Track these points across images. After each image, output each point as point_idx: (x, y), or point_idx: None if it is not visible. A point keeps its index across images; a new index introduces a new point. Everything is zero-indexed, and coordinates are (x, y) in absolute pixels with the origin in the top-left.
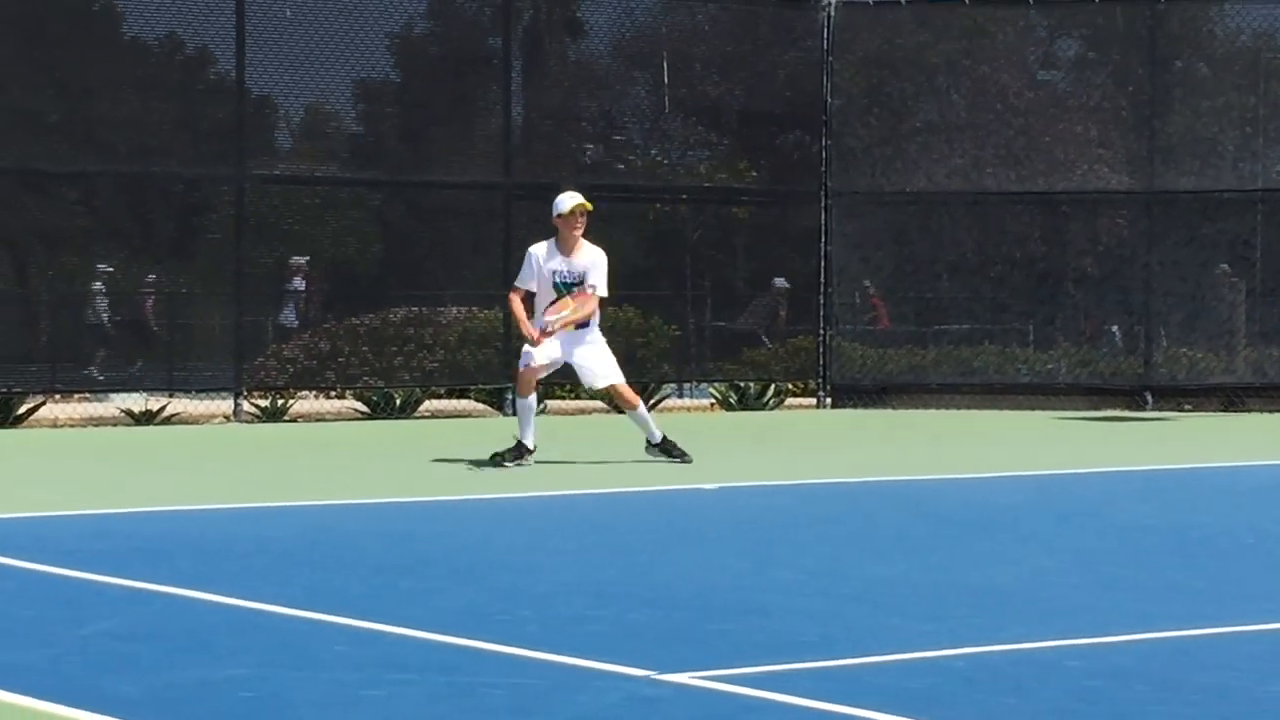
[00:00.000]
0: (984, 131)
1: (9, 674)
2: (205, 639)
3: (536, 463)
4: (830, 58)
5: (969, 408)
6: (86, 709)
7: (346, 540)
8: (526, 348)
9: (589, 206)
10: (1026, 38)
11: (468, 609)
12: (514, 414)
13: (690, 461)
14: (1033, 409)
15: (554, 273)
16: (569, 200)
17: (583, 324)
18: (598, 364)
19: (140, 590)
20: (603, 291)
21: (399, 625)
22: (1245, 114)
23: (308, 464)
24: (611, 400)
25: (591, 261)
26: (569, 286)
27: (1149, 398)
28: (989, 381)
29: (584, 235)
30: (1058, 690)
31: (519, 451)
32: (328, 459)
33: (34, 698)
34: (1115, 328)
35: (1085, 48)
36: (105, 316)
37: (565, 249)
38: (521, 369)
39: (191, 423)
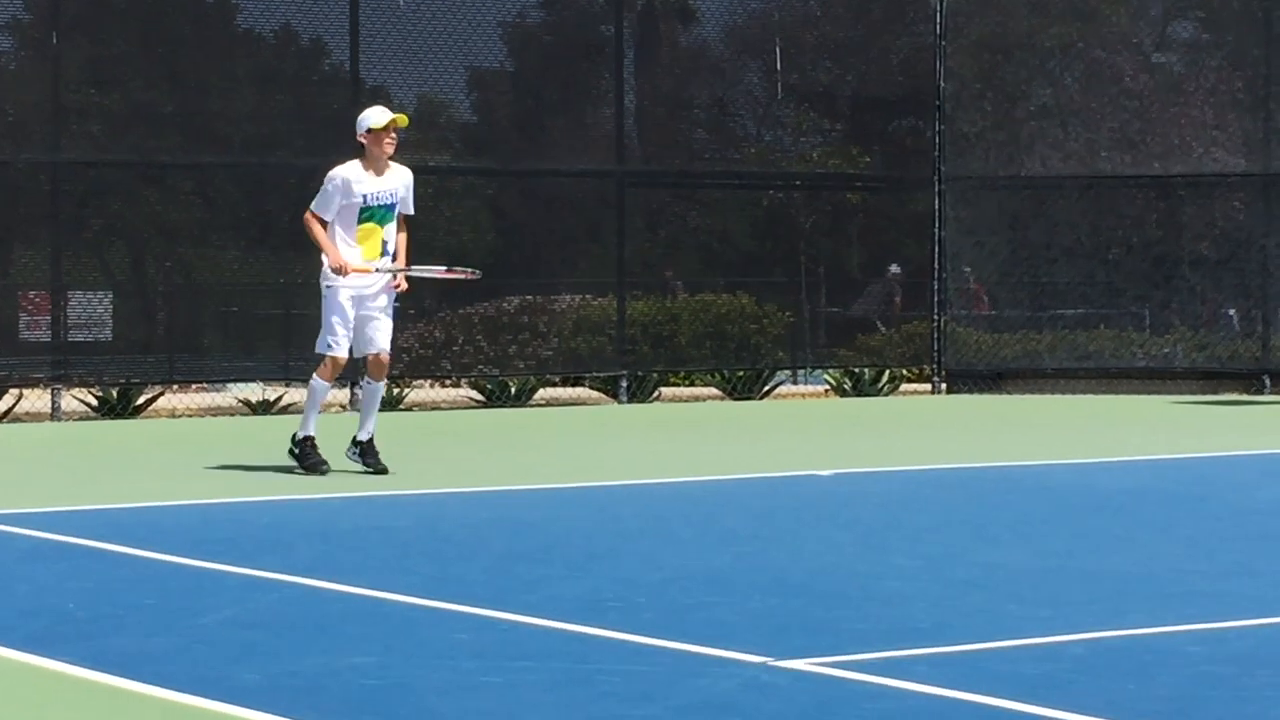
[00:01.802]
0: (1098, 115)
1: (131, 662)
2: (327, 627)
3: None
4: (943, 42)
5: (1084, 392)
6: (210, 697)
7: (464, 529)
8: (335, 334)
9: (404, 121)
10: (1140, 20)
11: (585, 596)
12: (627, 401)
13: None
14: (1149, 393)
15: (363, 196)
16: (382, 114)
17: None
18: (388, 328)
19: (261, 579)
20: (410, 211)
21: (518, 613)
22: None
23: (424, 453)
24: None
25: (404, 182)
26: (382, 211)
27: (1267, 381)
28: (1105, 366)
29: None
30: (1179, 676)
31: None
32: (444, 448)
33: (157, 686)
34: (1232, 311)
35: (1200, 29)
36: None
37: (376, 169)
38: (333, 358)
39: None
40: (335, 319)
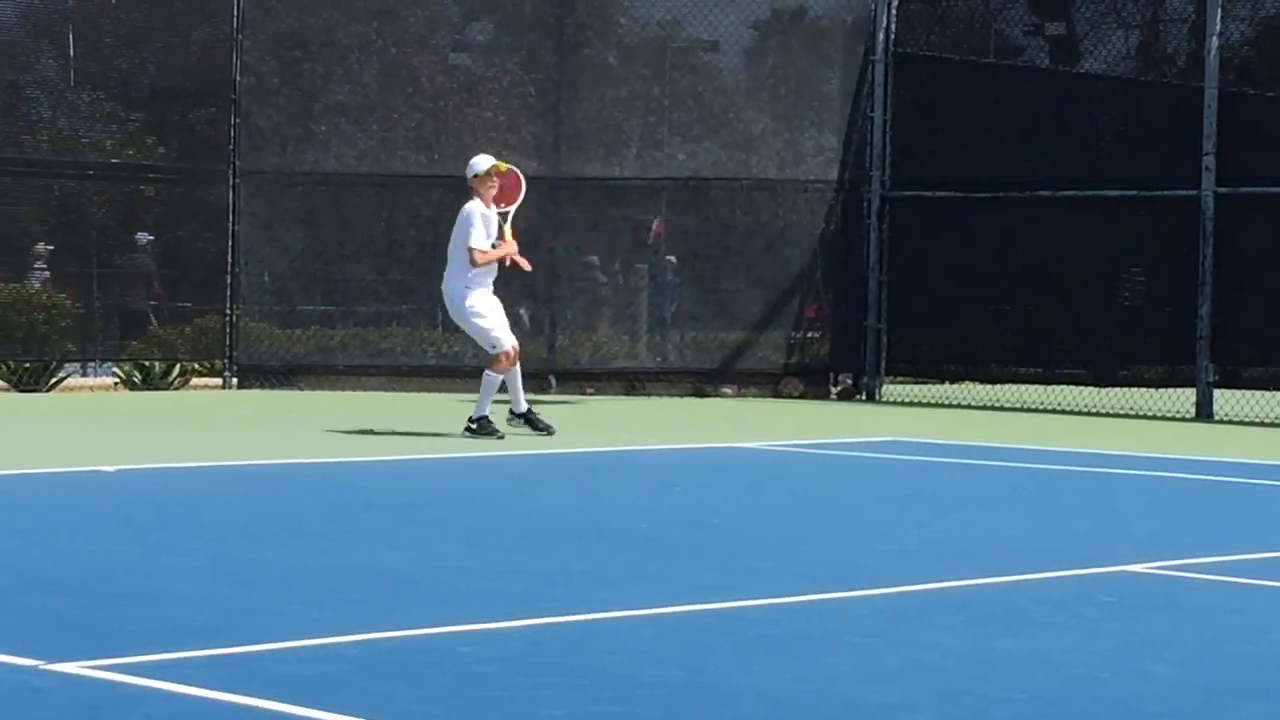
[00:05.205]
0: (395, 114)
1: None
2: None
3: None
4: (240, 36)
5: (376, 389)
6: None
7: None
8: (501, 336)
9: (503, 167)
10: (438, 22)
11: None
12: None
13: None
14: (440, 391)
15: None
16: (487, 161)
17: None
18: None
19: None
20: None
21: None
22: (650, 104)
23: None
24: None
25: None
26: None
27: (553, 381)
28: (396, 363)
29: None
30: (449, 676)
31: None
32: None
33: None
34: (523, 311)
35: (499, 32)
36: None
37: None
38: (507, 351)
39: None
40: None
